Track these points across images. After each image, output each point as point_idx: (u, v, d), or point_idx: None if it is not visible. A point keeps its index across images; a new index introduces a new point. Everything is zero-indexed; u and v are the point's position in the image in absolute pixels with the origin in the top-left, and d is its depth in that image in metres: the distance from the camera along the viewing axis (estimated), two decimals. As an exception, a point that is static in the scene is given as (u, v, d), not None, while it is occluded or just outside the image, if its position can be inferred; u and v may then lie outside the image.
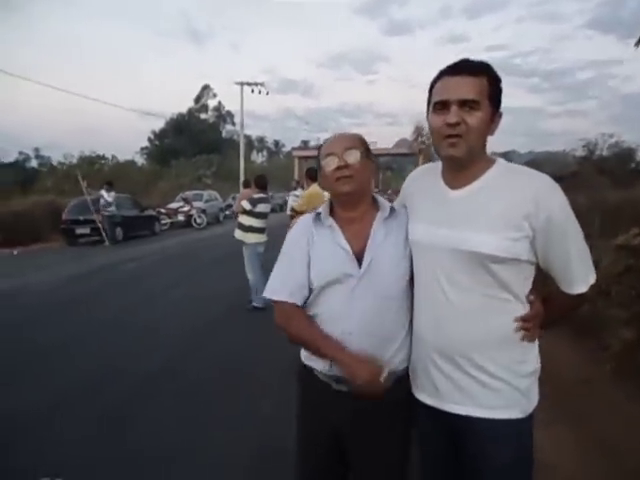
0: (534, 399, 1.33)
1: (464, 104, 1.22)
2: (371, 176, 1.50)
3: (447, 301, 1.29)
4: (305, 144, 64.60)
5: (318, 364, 1.46)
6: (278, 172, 40.97)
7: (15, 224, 13.85)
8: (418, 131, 26.91)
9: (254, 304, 6.08)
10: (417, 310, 1.40)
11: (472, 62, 1.26)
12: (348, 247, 1.43)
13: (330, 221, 1.48)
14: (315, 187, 5.02)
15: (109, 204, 13.40)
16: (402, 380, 1.44)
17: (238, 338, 5.00)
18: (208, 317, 5.81)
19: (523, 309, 1.30)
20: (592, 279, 1.29)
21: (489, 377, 1.27)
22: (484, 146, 1.29)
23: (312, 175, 5.50)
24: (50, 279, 8.42)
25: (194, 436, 3.01)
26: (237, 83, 31.00)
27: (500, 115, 1.29)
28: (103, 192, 13.55)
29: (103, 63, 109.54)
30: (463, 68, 1.24)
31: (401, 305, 1.43)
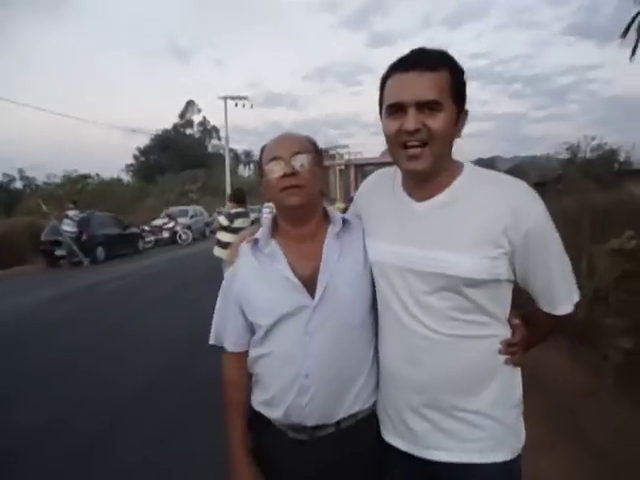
0: (522, 435, 1.17)
1: (423, 106, 1.00)
2: (321, 185, 1.27)
3: (422, 331, 1.09)
4: (292, 156, 64.34)
5: (273, 411, 1.23)
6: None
7: (-5, 247, 13.48)
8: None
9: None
10: (384, 341, 1.19)
11: (429, 53, 1.04)
12: (292, 275, 1.19)
13: (270, 247, 1.24)
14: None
15: (70, 224, 13.05)
16: (368, 423, 1.23)
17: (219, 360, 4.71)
18: (188, 338, 5.53)
19: (505, 331, 1.14)
20: (576, 297, 1.12)
21: (477, 415, 1.09)
22: (450, 151, 1.10)
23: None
24: (27, 303, 8.10)
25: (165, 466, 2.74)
26: (221, 98, 31.04)
27: (466, 113, 1.08)
28: (68, 212, 13.21)
29: (86, 82, 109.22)
30: (419, 61, 1.02)
31: (363, 334, 1.22)
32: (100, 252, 13.84)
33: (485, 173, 1.12)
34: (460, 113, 1.07)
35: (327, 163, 41.26)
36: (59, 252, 13.05)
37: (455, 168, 1.12)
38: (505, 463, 1.10)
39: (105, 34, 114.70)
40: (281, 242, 1.25)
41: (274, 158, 1.19)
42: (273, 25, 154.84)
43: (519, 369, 1.17)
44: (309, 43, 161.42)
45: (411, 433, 1.15)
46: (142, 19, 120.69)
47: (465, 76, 1.07)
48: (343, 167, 40.10)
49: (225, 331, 1.32)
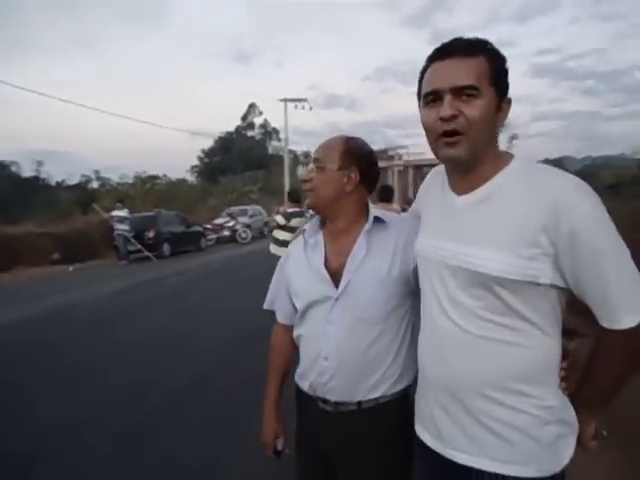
0: (563, 456, 1.03)
1: (459, 92, 0.98)
2: (343, 186, 1.32)
3: (450, 327, 1.07)
4: (350, 157, 64.40)
5: (303, 383, 1.38)
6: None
7: (73, 242, 14.65)
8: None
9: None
10: (420, 335, 1.20)
11: (465, 40, 1.02)
12: (322, 268, 1.33)
13: (314, 238, 1.40)
14: None
15: (122, 221, 13.72)
16: (391, 407, 1.31)
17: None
18: (244, 331, 5.79)
19: (547, 342, 1.02)
20: None
21: (502, 425, 1.02)
22: (492, 141, 1.05)
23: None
24: (95, 294, 8.78)
25: (222, 451, 2.97)
26: (281, 100, 31.67)
27: (509, 102, 1.04)
28: (116, 211, 13.88)
29: (153, 86, 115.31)
30: (454, 49, 1.01)
31: (385, 329, 1.29)
32: (166, 248, 14.65)
33: (535, 166, 1.03)
34: (501, 101, 1.02)
35: (384, 164, 41.05)
36: (130, 248, 13.96)
37: (501, 161, 1.05)
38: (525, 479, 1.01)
39: (170, 39, 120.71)
40: (325, 235, 1.39)
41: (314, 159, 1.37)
42: (332, 26, 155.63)
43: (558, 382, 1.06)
44: (369, 43, 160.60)
45: (437, 429, 1.13)
46: (206, 23, 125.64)
47: (506, 64, 1.03)
48: (402, 168, 39.63)
49: (277, 301, 1.52)
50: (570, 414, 1.06)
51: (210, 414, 3.57)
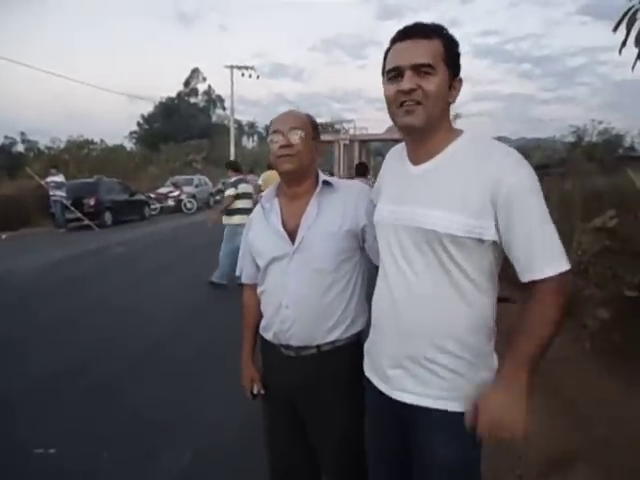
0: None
1: (418, 69, 1.13)
2: (315, 156, 1.55)
3: (403, 282, 1.22)
4: (296, 129, 63.71)
5: (267, 333, 1.58)
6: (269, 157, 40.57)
7: (3, 209, 13.70)
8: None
9: (212, 279, 6.20)
10: (376, 291, 1.34)
11: (424, 24, 1.18)
12: (280, 227, 1.51)
13: (270, 203, 1.58)
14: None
15: (59, 187, 13.16)
16: (346, 350, 1.51)
17: (223, 321, 5.01)
18: (193, 301, 5.86)
19: (487, 301, 1.20)
20: (562, 266, 1.08)
21: (443, 369, 1.18)
22: (445, 115, 1.20)
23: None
24: (36, 263, 8.40)
25: (183, 409, 3.10)
26: (227, 67, 30.62)
27: (460, 81, 1.20)
28: (51, 177, 13.30)
29: (89, 45, 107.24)
30: (414, 31, 1.16)
31: (337, 278, 1.48)
32: (108, 217, 14.12)
33: (484, 140, 1.20)
34: (454, 80, 1.18)
35: (331, 137, 41.08)
36: (69, 215, 13.31)
37: (453, 134, 1.21)
38: (462, 414, 1.16)
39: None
40: (281, 200, 1.57)
41: (275, 131, 1.49)
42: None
43: (489, 332, 1.22)
44: (316, 13, 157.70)
45: (385, 374, 1.27)
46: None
47: (459, 48, 1.20)
48: (347, 142, 39.91)
49: (243, 267, 1.71)
50: (494, 362, 1.24)
51: (171, 374, 3.68)
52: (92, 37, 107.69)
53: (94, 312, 5.44)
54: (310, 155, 1.51)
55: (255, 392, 1.65)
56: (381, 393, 1.29)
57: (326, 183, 1.52)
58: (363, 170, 6.71)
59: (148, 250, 9.96)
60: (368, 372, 1.38)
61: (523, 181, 1.11)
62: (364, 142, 41.05)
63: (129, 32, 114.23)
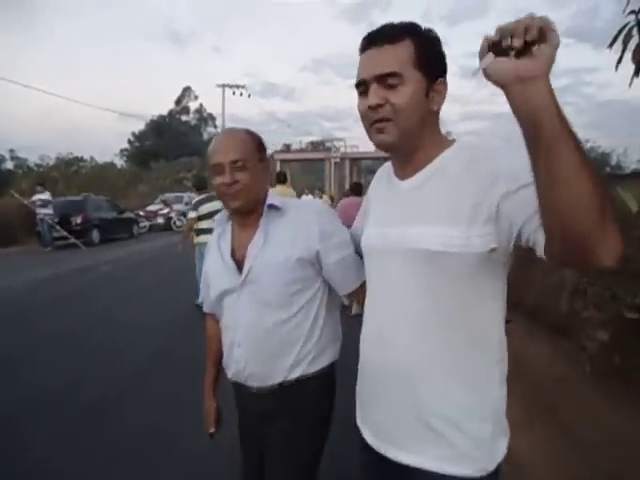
0: (497, 452, 1.01)
1: (383, 80, 0.97)
2: (265, 179, 1.40)
3: (391, 309, 1.05)
4: (287, 147, 64.55)
5: (228, 371, 1.47)
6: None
7: (-11, 226, 13.47)
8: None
9: (197, 301, 6.01)
10: (364, 326, 1.16)
11: (392, 26, 1.00)
12: (229, 257, 1.40)
13: (222, 227, 1.47)
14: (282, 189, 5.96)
15: (45, 205, 12.95)
16: (312, 383, 1.37)
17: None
18: (180, 320, 5.70)
19: (495, 335, 1.01)
20: None
21: (439, 419, 0.99)
22: (427, 125, 1.02)
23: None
24: (19, 282, 8.18)
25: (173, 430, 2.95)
26: (219, 85, 30.93)
27: (444, 84, 1.01)
28: (37, 195, 13.09)
29: (81, 64, 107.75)
30: (379, 36, 0.99)
31: (292, 312, 1.33)
32: (95, 235, 13.93)
33: (471, 146, 1.02)
34: (433, 83, 0.99)
35: (322, 155, 41.35)
36: (55, 234, 13.09)
37: (441, 144, 1.04)
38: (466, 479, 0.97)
39: (102, 15, 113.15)
40: (234, 226, 1.45)
41: (215, 166, 1.32)
42: (271, 13, 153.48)
43: (501, 375, 1.03)
44: (307, 33, 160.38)
45: (375, 425, 1.10)
46: (139, 1, 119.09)
47: (439, 46, 1.02)
48: (338, 160, 40.15)
49: (204, 296, 1.58)
50: (500, 403, 1.02)
51: (156, 398, 3.52)
52: (85, 55, 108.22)
53: (76, 334, 5.25)
54: (259, 183, 1.36)
55: (210, 431, 1.57)
56: (371, 449, 1.10)
57: (272, 207, 1.37)
58: (358, 189, 6.67)
59: (135, 269, 9.78)
60: (359, 421, 1.18)
61: (517, 167, 0.86)
62: (355, 160, 41.31)
63: (122, 51, 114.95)
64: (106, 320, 5.87)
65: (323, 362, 1.38)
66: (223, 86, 30.95)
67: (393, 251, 1.05)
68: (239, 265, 1.36)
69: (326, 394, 1.39)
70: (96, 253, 12.06)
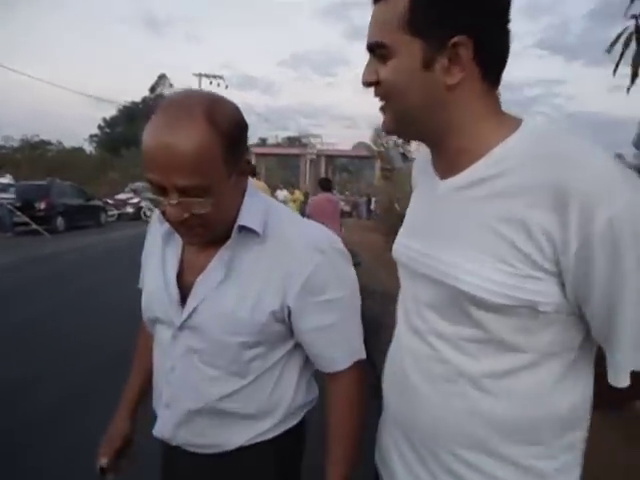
0: None
1: (374, 51, 0.74)
2: (241, 189, 0.91)
3: (422, 351, 0.78)
4: (263, 141, 64.06)
5: (155, 422, 1.06)
6: (235, 168, 40.41)
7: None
8: (377, 134, 27.23)
9: None
10: (388, 357, 0.91)
11: None
12: (173, 278, 0.94)
13: (172, 232, 0.96)
14: (254, 182, 5.43)
15: (5, 189, 12.54)
16: (271, 447, 0.98)
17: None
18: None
19: (560, 384, 0.70)
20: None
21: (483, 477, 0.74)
22: (446, 105, 0.73)
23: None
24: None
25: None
26: (196, 75, 30.31)
27: (456, 46, 0.67)
28: None
29: (53, 44, 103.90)
30: None
31: (247, 381, 0.92)
32: (60, 222, 13.33)
33: (550, 138, 0.68)
34: (441, 49, 0.68)
35: (298, 151, 41.21)
36: (16, 219, 12.46)
37: (496, 131, 0.72)
38: None
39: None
40: None
41: (154, 184, 0.80)
42: (251, 6, 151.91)
43: (583, 425, 0.75)
44: (286, 28, 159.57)
45: (393, 471, 0.86)
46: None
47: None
48: (314, 157, 40.03)
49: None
50: (576, 462, 0.75)
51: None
52: (57, 37, 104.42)
53: (36, 326, 4.91)
54: (230, 205, 0.88)
55: (101, 465, 1.10)
56: None
57: (247, 230, 0.89)
58: (327, 185, 6.52)
59: (102, 259, 9.37)
60: (378, 461, 0.93)
61: (624, 216, 0.59)
62: (331, 157, 41.25)
63: (98, 35, 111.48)
64: (70, 312, 5.53)
65: (288, 424, 0.99)
66: (200, 75, 30.35)
67: (416, 273, 0.80)
68: (184, 294, 0.93)
69: (289, 452, 1.02)
70: (60, 241, 11.53)
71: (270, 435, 0.97)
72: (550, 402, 0.70)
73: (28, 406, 3.18)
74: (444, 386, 0.75)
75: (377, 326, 4.34)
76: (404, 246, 0.86)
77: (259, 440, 0.96)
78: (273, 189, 19.40)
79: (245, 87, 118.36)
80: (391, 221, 9.14)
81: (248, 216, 0.89)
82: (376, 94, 0.76)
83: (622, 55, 2.69)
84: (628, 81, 2.68)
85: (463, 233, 0.72)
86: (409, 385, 0.80)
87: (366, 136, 29.31)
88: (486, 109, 0.73)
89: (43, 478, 2.42)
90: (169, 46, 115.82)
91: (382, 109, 0.78)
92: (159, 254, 0.99)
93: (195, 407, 0.93)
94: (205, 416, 0.94)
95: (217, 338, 0.90)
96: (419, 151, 1.00)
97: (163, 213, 0.84)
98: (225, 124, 0.80)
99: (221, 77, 31.06)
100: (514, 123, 0.72)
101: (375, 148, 27.88)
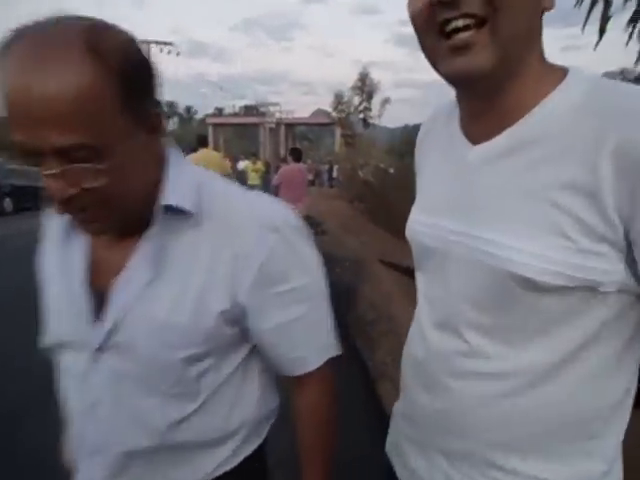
0: None
1: None
2: (155, 151, 0.71)
3: (453, 346, 0.69)
4: (219, 111, 62.21)
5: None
6: (191, 139, 39.24)
7: None
8: (338, 100, 26.92)
9: None
10: (406, 349, 0.81)
11: None
12: (79, 284, 0.72)
13: (70, 222, 0.76)
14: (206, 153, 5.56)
15: None
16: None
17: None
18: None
19: (613, 376, 0.63)
20: None
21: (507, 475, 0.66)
22: (536, 37, 0.60)
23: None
24: None
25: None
26: (143, 41, 28.63)
27: None
28: None
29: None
30: None
31: (198, 404, 0.74)
32: (7, 204, 12.82)
33: (608, 90, 0.57)
34: None
35: (256, 120, 40.23)
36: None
37: (546, 80, 0.60)
38: None
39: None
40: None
41: (24, 148, 0.60)
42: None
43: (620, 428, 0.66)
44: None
45: (408, 464, 0.78)
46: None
47: None
48: (274, 125, 39.27)
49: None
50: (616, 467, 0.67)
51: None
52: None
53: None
54: (134, 167, 0.65)
55: None
56: None
57: (175, 210, 0.69)
58: (298, 155, 6.62)
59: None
60: (389, 450, 0.86)
61: None
62: (290, 126, 40.57)
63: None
64: (18, 305, 5.28)
65: (240, 455, 0.82)
66: (147, 42, 28.80)
67: (452, 259, 0.68)
68: (99, 303, 0.71)
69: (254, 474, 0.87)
70: (9, 223, 10.96)
71: (233, 463, 0.80)
72: (601, 390, 0.63)
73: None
74: (481, 384, 0.65)
75: (350, 294, 4.39)
76: (425, 225, 0.73)
77: (220, 473, 0.79)
78: (234, 161, 18.95)
79: (196, 54, 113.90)
80: (354, 188, 9.13)
81: (174, 193, 0.68)
82: (466, 9, 0.55)
83: (590, 11, 2.70)
84: (579, 41, 2.73)
85: (508, 206, 0.60)
86: (438, 384, 0.70)
87: (325, 102, 29.01)
88: (540, 49, 0.62)
89: None
90: (111, 11, 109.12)
91: (466, 45, 0.57)
92: (56, 257, 0.77)
93: (135, 447, 0.73)
94: (149, 456, 0.74)
95: (151, 356, 0.70)
96: (430, 112, 0.84)
97: (47, 187, 0.62)
98: (117, 57, 0.59)
99: (171, 44, 29.63)
100: (555, 75, 0.61)
101: (335, 115, 27.61)
